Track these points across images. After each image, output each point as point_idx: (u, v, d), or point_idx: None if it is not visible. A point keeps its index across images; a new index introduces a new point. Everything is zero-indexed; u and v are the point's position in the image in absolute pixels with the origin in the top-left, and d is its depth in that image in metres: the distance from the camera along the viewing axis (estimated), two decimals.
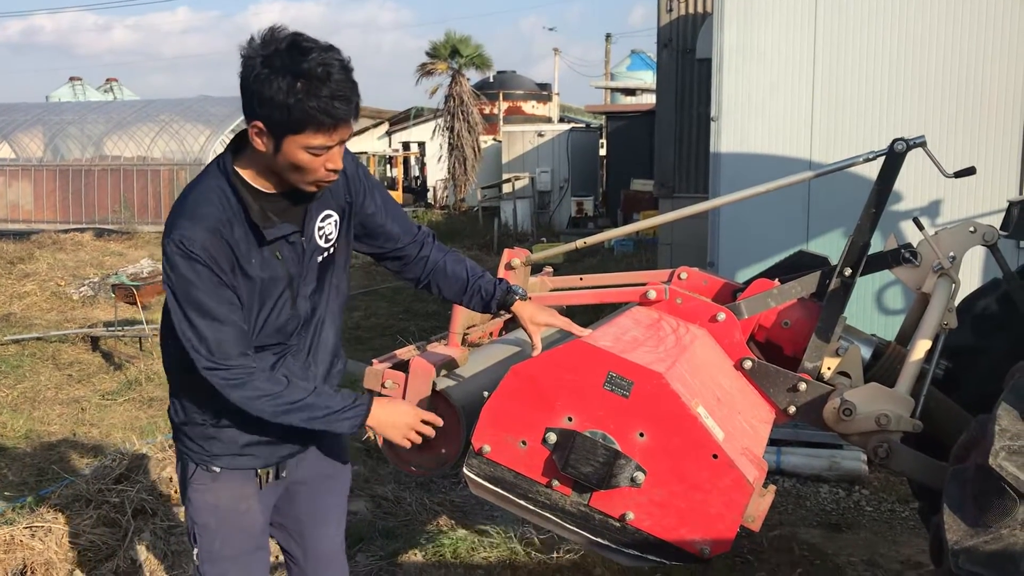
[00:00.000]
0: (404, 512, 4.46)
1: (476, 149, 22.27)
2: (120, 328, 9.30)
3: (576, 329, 2.52)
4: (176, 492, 4.18)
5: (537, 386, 2.37)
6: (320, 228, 2.34)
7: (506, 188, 20.24)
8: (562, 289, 3.39)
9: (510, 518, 4.33)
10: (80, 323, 10.14)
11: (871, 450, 2.79)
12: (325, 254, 2.37)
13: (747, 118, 5.13)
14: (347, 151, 2.45)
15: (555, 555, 3.77)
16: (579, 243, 3.34)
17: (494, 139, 23.78)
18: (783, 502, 4.66)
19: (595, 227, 17.61)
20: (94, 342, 9.13)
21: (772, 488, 2.47)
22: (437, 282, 2.61)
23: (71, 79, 35.51)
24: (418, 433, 2.62)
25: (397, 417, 2.38)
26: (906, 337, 3.22)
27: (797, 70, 5.05)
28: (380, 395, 2.88)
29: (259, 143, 2.12)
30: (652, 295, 2.95)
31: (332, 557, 2.64)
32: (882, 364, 3.04)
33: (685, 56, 9.50)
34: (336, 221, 2.38)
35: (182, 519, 4.08)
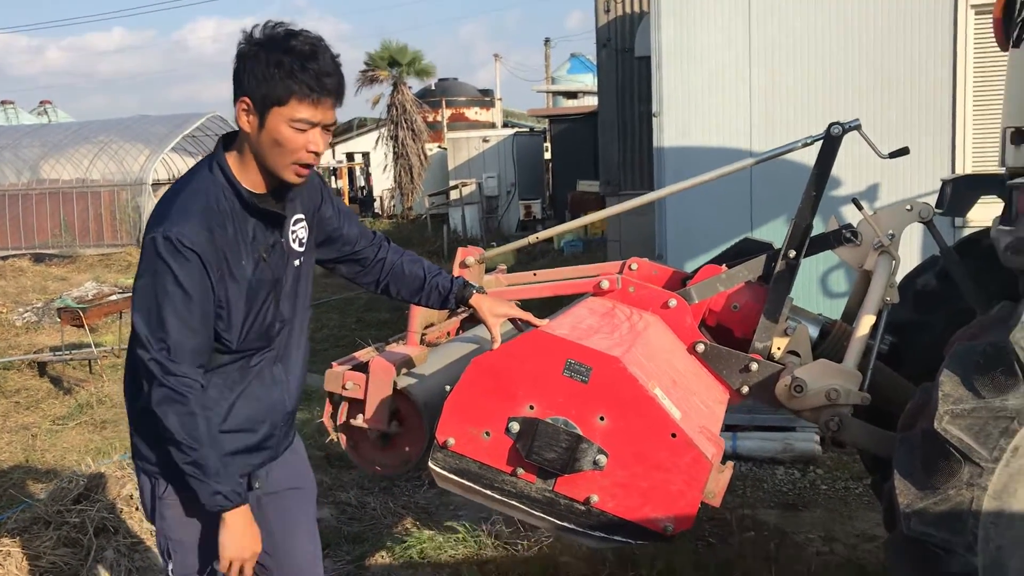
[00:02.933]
0: (369, 516, 4.47)
1: (422, 157, 22.25)
2: (68, 352, 9.14)
3: (534, 320, 2.57)
4: (138, 508, 4.13)
5: (498, 377, 2.42)
6: (294, 232, 2.36)
7: (453, 195, 20.25)
8: (517, 284, 3.44)
9: (475, 516, 4.36)
10: (25, 349, 9.93)
11: (823, 424, 2.89)
12: (299, 260, 2.39)
13: (688, 113, 5.24)
14: None
15: (521, 547, 3.82)
16: (532, 238, 3.41)
17: (439, 146, 23.79)
18: (741, 485, 4.75)
19: (543, 228, 17.70)
20: (41, 367, 8.95)
21: (730, 464, 2.53)
22: (396, 283, 2.63)
23: (2, 103, 34.68)
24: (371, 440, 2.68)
25: (246, 541, 2.26)
26: (851, 315, 3.33)
27: (734, 64, 5.17)
28: (342, 397, 2.91)
29: (245, 122, 2.16)
30: (605, 285, 3.02)
31: (307, 566, 2.62)
32: (829, 342, 3.14)
33: (624, 55, 9.63)
34: (306, 227, 2.40)
35: (143, 536, 4.04)
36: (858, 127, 3.02)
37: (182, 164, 23.19)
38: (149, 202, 20.97)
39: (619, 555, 3.65)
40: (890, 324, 3.09)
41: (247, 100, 2.14)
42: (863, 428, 2.91)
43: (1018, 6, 3.20)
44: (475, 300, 2.60)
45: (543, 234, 3.44)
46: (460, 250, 3.34)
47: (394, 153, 22.57)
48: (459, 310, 2.78)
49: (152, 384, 2.14)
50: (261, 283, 2.26)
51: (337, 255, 2.58)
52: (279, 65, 2.09)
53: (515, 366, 2.41)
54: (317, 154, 2.20)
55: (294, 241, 2.38)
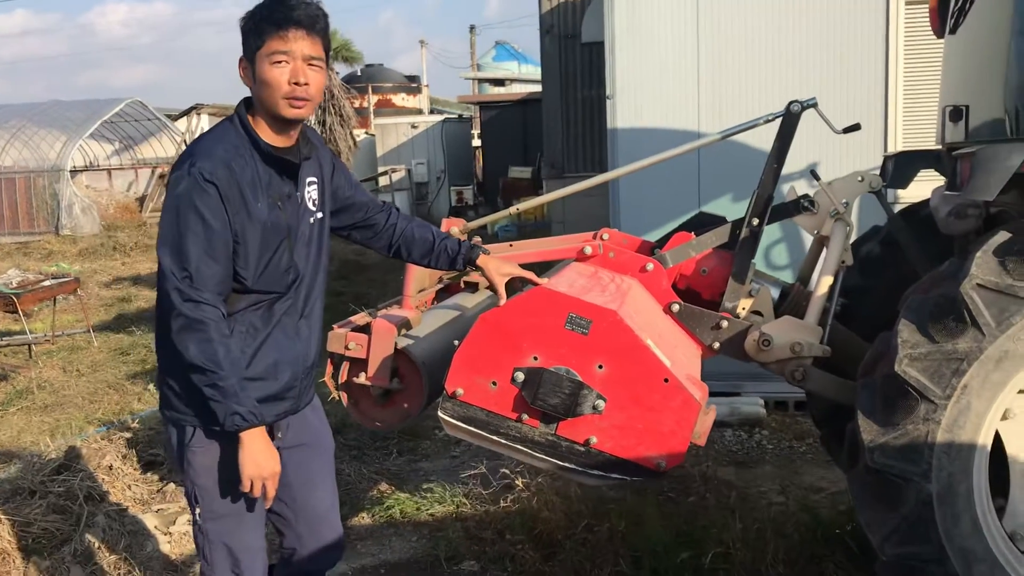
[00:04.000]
0: (344, 483, 4.59)
1: (351, 143, 22.17)
2: (3, 338, 8.99)
3: (536, 279, 2.77)
4: (120, 479, 4.21)
5: (504, 330, 2.62)
6: (308, 192, 2.52)
7: (383, 181, 20.28)
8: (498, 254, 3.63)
9: (448, 478, 4.56)
10: None
11: (788, 374, 3.17)
12: (314, 218, 2.55)
13: (640, 95, 5.49)
14: (313, 131, 2.65)
15: (501, 503, 4.02)
16: (512, 210, 3.61)
17: (367, 133, 23.71)
18: (694, 447, 5.03)
19: (476, 214, 17.92)
20: None
21: (713, 408, 2.79)
22: (407, 246, 2.81)
23: None
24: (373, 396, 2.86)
25: (264, 460, 2.39)
26: (806, 277, 3.63)
27: (682, 47, 5.44)
28: (344, 356, 3.07)
29: (247, 80, 2.41)
30: (588, 251, 3.25)
31: (324, 516, 2.76)
32: (789, 302, 3.43)
33: (567, 41, 9.87)
34: (318, 188, 2.57)
35: (129, 503, 4.12)
36: (815, 105, 3.29)
37: (100, 150, 22.65)
38: (68, 189, 20.46)
39: (593, 508, 3.89)
40: (840, 287, 3.38)
41: (243, 59, 2.39)
42: (824, 377, 3.19)
43: None
44: (482, 260, 2.79)
45: (523, 206, 3.64)
46: (444, 221, 3.52)
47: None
48: (467, 271, 2.95)
49: (173, 312, 2.29)
50: (276, 227, 2.43)
51: (351, 221, 2.75)
52: (255, 17, 2.36)
53: (520, 320, 2.62)
54: (300, 84, 2.35)
55: (309, 199, 2.55)
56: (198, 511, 2.52)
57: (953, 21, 3.47)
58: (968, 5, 3.29)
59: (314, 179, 2.58)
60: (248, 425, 2.34)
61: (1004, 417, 2.71)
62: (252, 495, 2.41)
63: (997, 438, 2.73)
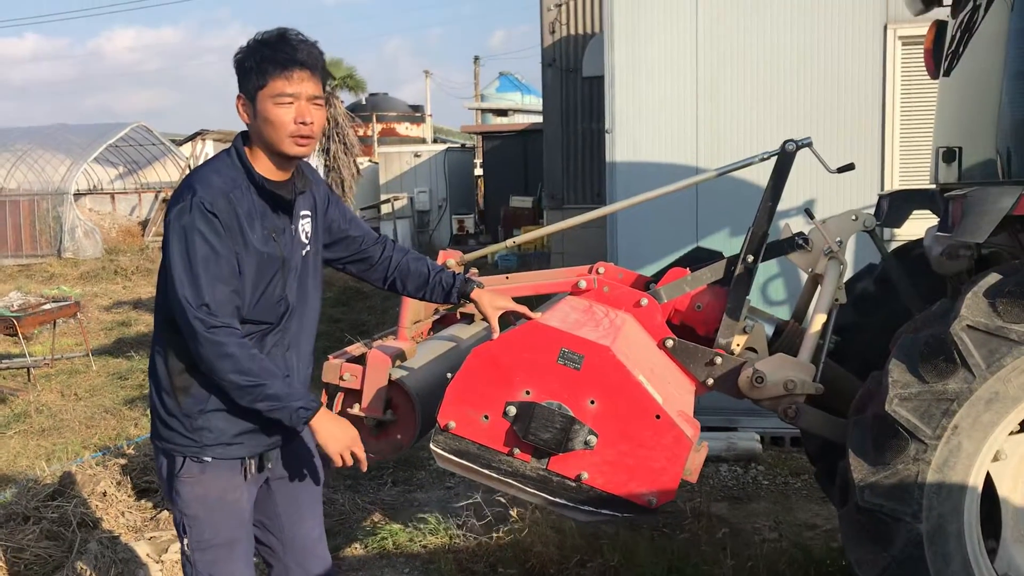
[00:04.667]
0: (338, 512, 4.60)
1: (354, 171, 22.28)
2: (2, 361, 9.00)
3: (529, 313, 2.79)
4: (114, 505, 4.21)
5: (497, 364, 2.63)
6: (301, 225, 2.55)
7: (385, 209, 20.37)
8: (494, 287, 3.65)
9: (442, 510, 4.55)
10: None
11: (781, 411, 3.17)
12: (305, 250, 2.58)
13: (639, 129, 5.54)
14: (308, 165, 2.69)
15: (494, 536, 4.01)
16: (509, 242, 3.63)
17: (370, 160, 23.84)
18: (687, 482, 5.02)
19: (477, 243, 17.97)
20: None
21: (705, 444, 2.80)
22: (402, 279, 2.83)
23: None
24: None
25: (341, 432, 2.49)
26: (800, 314, 3.64)
27: (681, 84, 5.50)
28: (339, 387, 3.09)
29: (244, 116, 2.45)
30: (583, 285, 3.26)
31: (312, 548, 2.76)
32: (783, 339, 3.44)
33: (569, 75, 9.98)
34: (311, 221, 2.60)
35: (121, 531, 4.11)
36: (809, 144, 3.32)
37: (104, 174, 22.79)
38: (71, 212, 20.57)
39: (586, 542, 3.88)
40: (834, 325, 3.39)
41: (241, 95, 2.43)
42: (817, 415, 3.20)
43: (947, 39, 3.56)
44: (476, 294, 2.80)
45: (520, 239, 3.67)
46: (441, 253, 3.56)
47: (326, 167, 22.51)
48: (461, 303, 2.97)
49: (197, 341, 2.32)
50: (271, 258, 2.46)
51: (346, 254, 2.77)
52: (255, 56, 2.39)
53: (513, 354, 2.63)
54: (307, 124, 2.41)
55: (302, 232, 2.58)
56: (186, 541, 2.52)
57: (947, 64, 3.51)
58: (962, 48, 3.33)
59: (308, 213, 2.61)
60: (311, 413, 2.42)
61: (995, 459, 2.72)
62: (346, 467, 2.48)
63: (989, 480, 2.74)
